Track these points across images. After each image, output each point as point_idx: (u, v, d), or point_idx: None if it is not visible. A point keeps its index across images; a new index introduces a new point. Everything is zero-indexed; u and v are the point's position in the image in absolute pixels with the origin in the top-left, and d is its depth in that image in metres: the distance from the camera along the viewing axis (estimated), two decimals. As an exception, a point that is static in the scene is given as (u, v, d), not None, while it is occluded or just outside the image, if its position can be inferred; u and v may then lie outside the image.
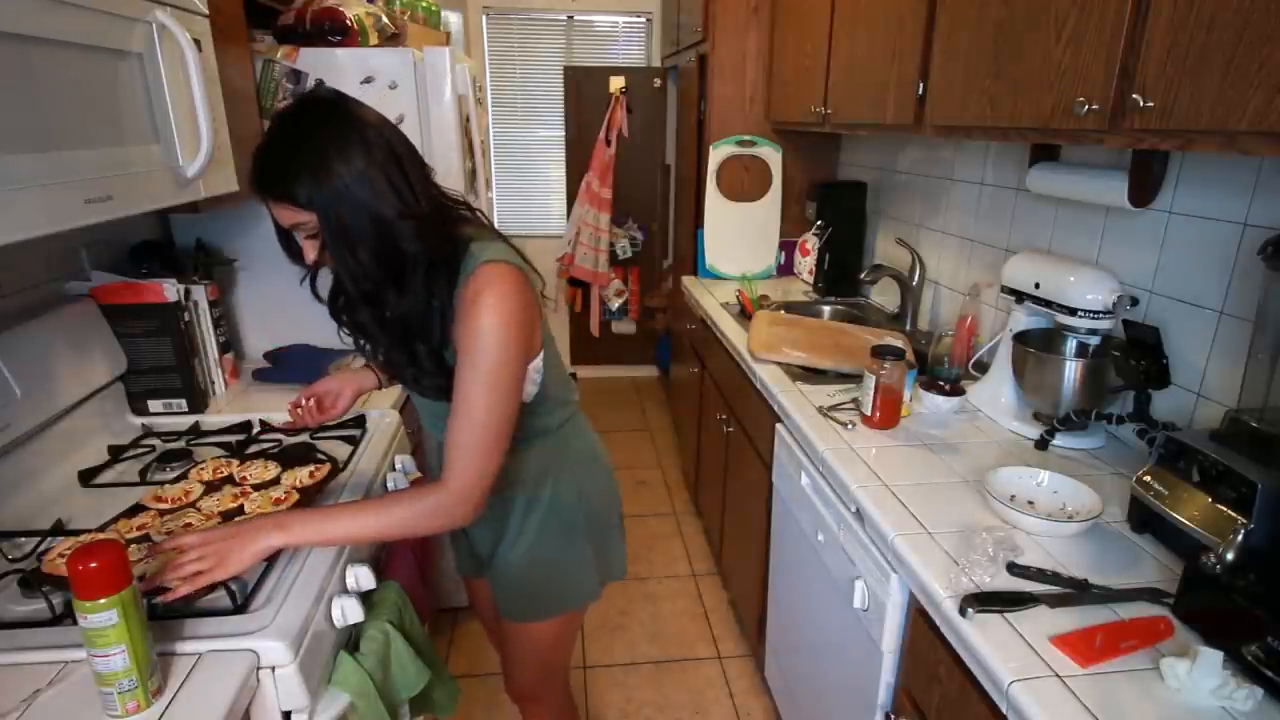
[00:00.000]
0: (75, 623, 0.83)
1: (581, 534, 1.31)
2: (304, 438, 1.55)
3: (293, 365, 1.92)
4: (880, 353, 1.52)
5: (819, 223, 2.71)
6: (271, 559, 1.11)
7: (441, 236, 1.05)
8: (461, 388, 1.03)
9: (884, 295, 2.54)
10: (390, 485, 1.49)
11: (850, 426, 1.54)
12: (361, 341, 1.17)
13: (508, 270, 1.04)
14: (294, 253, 1.06)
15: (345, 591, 1.16)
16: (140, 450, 1.50)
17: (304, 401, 1.39)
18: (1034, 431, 1.47)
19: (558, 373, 1.24)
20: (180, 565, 0.99)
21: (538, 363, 1.16)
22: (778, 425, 1.76)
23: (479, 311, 1.01)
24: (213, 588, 1.01)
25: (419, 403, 1.28)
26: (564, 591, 1.33)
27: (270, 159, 0.97)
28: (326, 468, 1.36)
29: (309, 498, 1.27)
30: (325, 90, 1.07)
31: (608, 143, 4.03)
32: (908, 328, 2.24)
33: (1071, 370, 1.43)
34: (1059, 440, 1.44)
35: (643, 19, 4.23)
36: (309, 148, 0.95)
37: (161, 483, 1.33)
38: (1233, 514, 1.00)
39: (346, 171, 0.95)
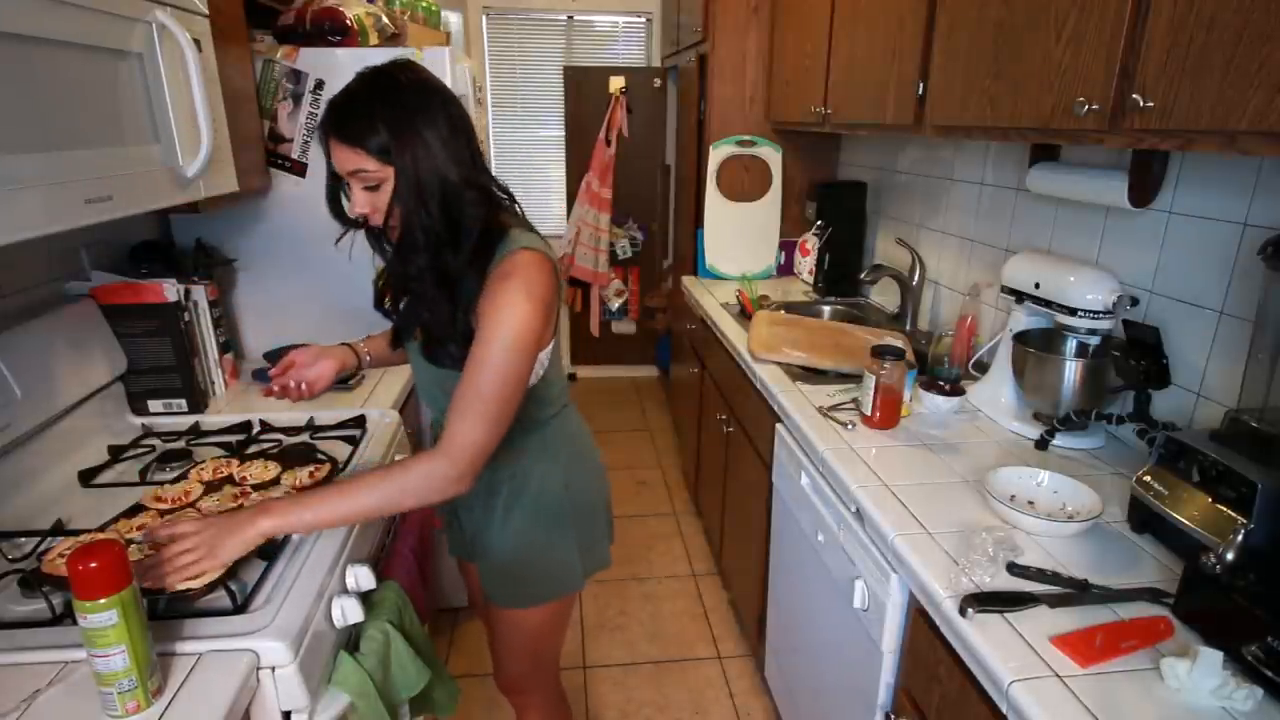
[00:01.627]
0: (75, 623, 0.83)
1: (567, 523, 1.31)
2: (304, 438, 1.55)
3: (293, 365, 1.92)
4: (880, 353, 1.52)
5: (819, 223, 2.71)
6: (272, 556, 1.11)
7: (490, 214, 1.13)
8: (475, 357, 1.06)
9: (884, 295, 2.54)
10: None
11: (850, 426, 1.54)
12: (399, 305, 1.23)
13: (542, 259, 1.10)
14: (337, 208, 1.14)
15: (345, 591, 1.16)
16: (140, 450, 1.50)
17: (291, 384, 1.34)
18: (1034, 431, 1.47)
19: (557, 368, 1.28)
20: (173, 555, 1.01)
21: (546, 352, 1.20)
22: (778, 425, 1.76)
23: (509, 288, 1.06)
24: (212, 588, 1.01)
25: (421, 379, 1.29)
26: (549, 579, 1.33)
27: (353, 107, 1.04)
28: (326, 468, 1.36)
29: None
30: (405, 60, 1.14)
31: (608, 143, 4.03)
32: (908, 328, 2.24)
33: (1071, 370, 1.43)
34: (1059, 440, 1.44)
35: (643, 19, 4.23)
36: (394, 102, 1.04)
37: (161, 483, 1.33)
38: (1233, 514, 1.00)
39: (428, 132, 1.04)
